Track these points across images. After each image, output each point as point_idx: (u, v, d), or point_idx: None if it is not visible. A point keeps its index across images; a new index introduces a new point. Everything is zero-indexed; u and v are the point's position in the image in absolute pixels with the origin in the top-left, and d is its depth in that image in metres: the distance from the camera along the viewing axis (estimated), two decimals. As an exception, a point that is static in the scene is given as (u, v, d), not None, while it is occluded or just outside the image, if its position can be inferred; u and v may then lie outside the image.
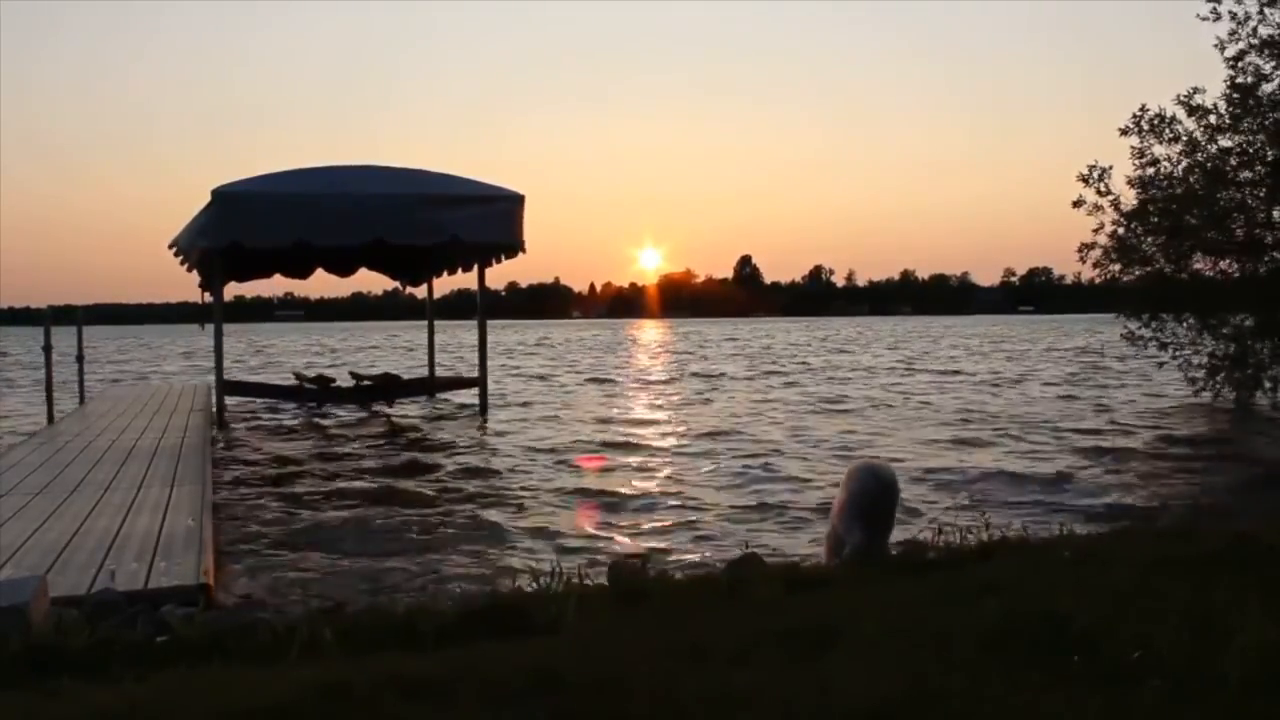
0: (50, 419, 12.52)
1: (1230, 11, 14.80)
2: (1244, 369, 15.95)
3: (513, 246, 14.82)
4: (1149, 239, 16.07)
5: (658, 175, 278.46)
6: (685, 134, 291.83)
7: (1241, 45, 14.92)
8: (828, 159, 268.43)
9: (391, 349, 47.33)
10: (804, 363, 32.30)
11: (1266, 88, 14.99)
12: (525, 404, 18.29)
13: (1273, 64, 14.87)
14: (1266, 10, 14.64)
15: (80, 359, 14.42)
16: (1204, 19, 14.91)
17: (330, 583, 5.84)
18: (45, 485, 7.42)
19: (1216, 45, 15.08)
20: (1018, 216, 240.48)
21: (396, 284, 21.55)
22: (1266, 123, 14.89)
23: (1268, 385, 15.93)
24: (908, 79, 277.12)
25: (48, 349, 12.40)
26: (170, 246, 15.48)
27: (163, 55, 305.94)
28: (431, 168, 15.19)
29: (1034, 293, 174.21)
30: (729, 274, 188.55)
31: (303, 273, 20.02)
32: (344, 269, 19.52)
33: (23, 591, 3.83)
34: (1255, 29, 14.75)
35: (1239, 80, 15.04)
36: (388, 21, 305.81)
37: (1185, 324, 16.38)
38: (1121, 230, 16.16)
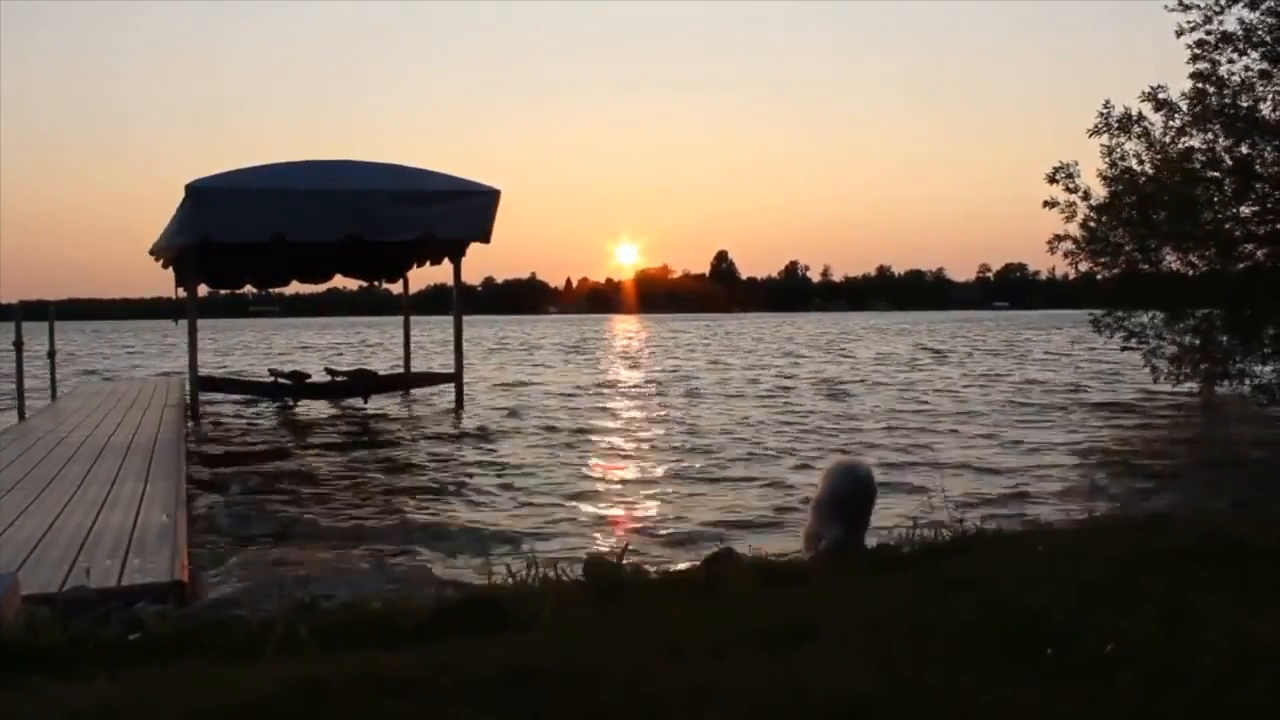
0: (21, 415, 12.39)
1: (1198, 4, 14.98)
2: (1209, 360, 16.07)
3: (480, 238, 14.76)
4: (1119, 230, 16.20)
5: (634, 171, 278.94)
6: (662, 130, 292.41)
7: (1200, 35, 15.10)
8: (803, 155, 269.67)
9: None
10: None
11: (1231, 79, 15.15)
12: (501, 400, 18.26)
13: (1233, 56, 15.03)
14: (1228, 9, 14.82)
15: (52, 355, 14.28)
16: (1172, 9, 15.09)
17: (306, 579, 5.81)
18: (17, 482, 7.35)
19: (1178, 31, 15.23)
20: (992, 213, 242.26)
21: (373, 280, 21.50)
22: (1229, 114, 15.00)
23: (1234, 377, 16.07)
24: (882, 75, 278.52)
25: (19, 344, 12.27)
26: (150, 251, 15.42)
27: (143, 49, 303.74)
28: (409, 162, 15.18)
29: (1009, 288, 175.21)
30: (706, 269, 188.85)
31: (276, 281, 20.02)
32: (317, 276, 19.40)
33: (-6, 589, 3.79)
34: (1220, 23, 14.94)
35: (1200, 68, 15.18)
36: (368, 17, 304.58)
37: (1153, 318, 16.49)
38: (1093, 223, 16.27)
